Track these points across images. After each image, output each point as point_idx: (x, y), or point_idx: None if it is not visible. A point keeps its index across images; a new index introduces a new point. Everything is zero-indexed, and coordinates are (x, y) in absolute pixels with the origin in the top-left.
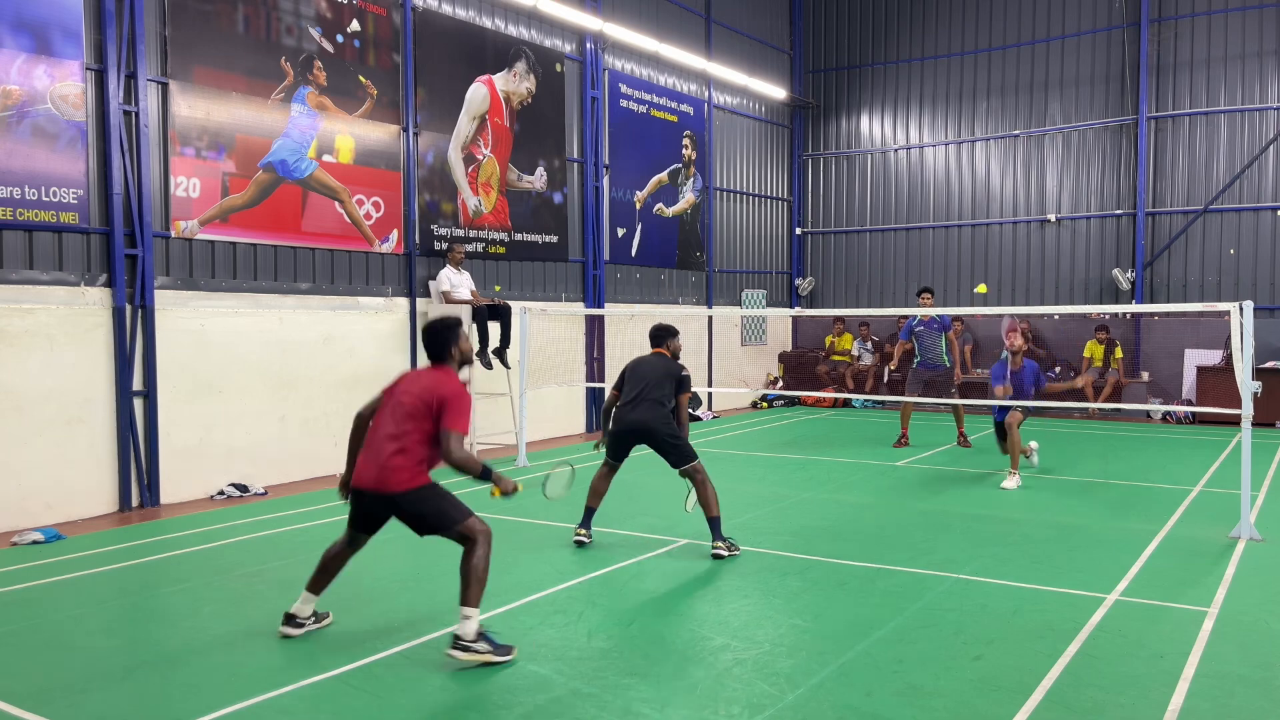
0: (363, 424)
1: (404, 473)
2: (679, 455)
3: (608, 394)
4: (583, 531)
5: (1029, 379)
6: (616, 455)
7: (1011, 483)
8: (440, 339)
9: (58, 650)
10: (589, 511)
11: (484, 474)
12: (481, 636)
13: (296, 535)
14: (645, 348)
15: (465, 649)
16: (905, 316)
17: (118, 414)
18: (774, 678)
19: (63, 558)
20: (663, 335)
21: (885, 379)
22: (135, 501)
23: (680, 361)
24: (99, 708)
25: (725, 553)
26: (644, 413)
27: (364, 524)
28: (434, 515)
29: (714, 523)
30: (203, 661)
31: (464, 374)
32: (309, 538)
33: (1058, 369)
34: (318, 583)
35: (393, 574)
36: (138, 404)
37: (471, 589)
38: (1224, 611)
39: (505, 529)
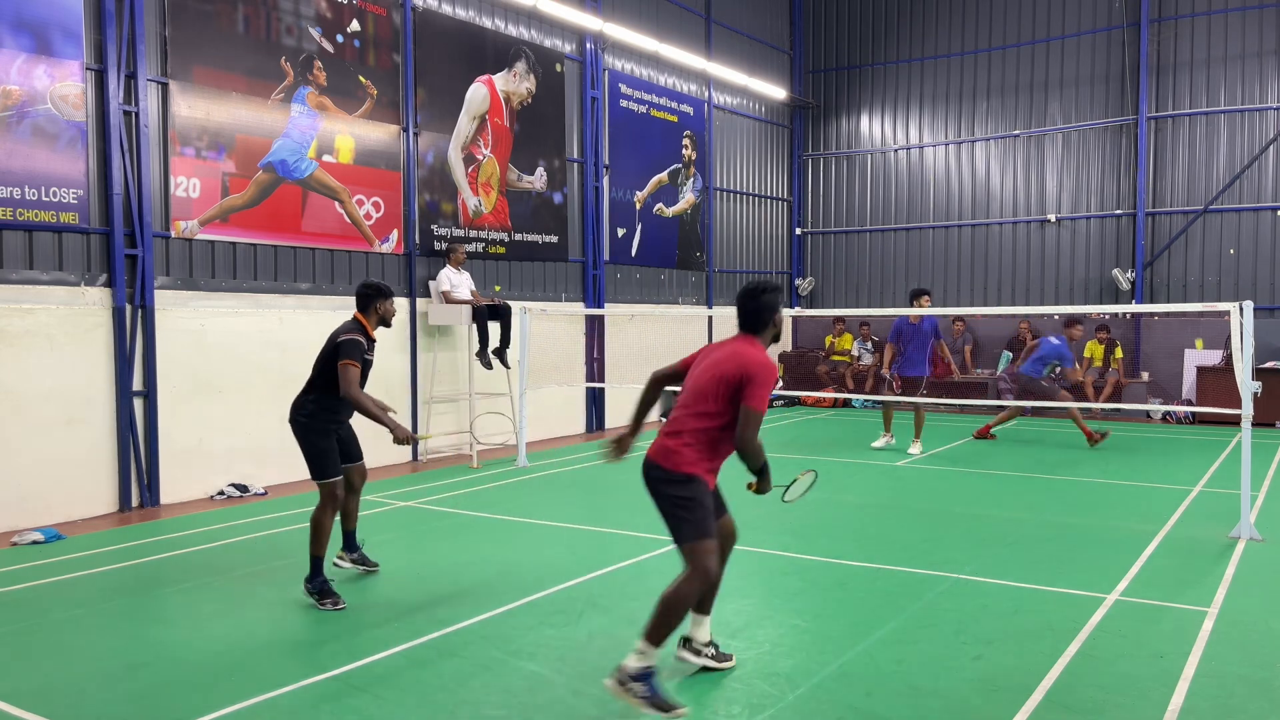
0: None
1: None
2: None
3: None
4: (344, 555)
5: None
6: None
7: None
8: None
9: (58, 650)
10: (347, 535)
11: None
12: (645, 678)
13: (296, 535)
14: (645, 347)
15: (621, 685)
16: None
17: (118, 414)
18: (774, 678)
19: (63, 558)
20: (364, 296)
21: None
22: (135, 501)
23: (351, 322)
24: (99, 708)
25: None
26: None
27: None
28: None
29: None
30: (203, 661)
31: None
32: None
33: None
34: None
35: (393, 573)
36: (138, 404)
37: (654, 621)
38: (1224, 611)
39: (505, 529)
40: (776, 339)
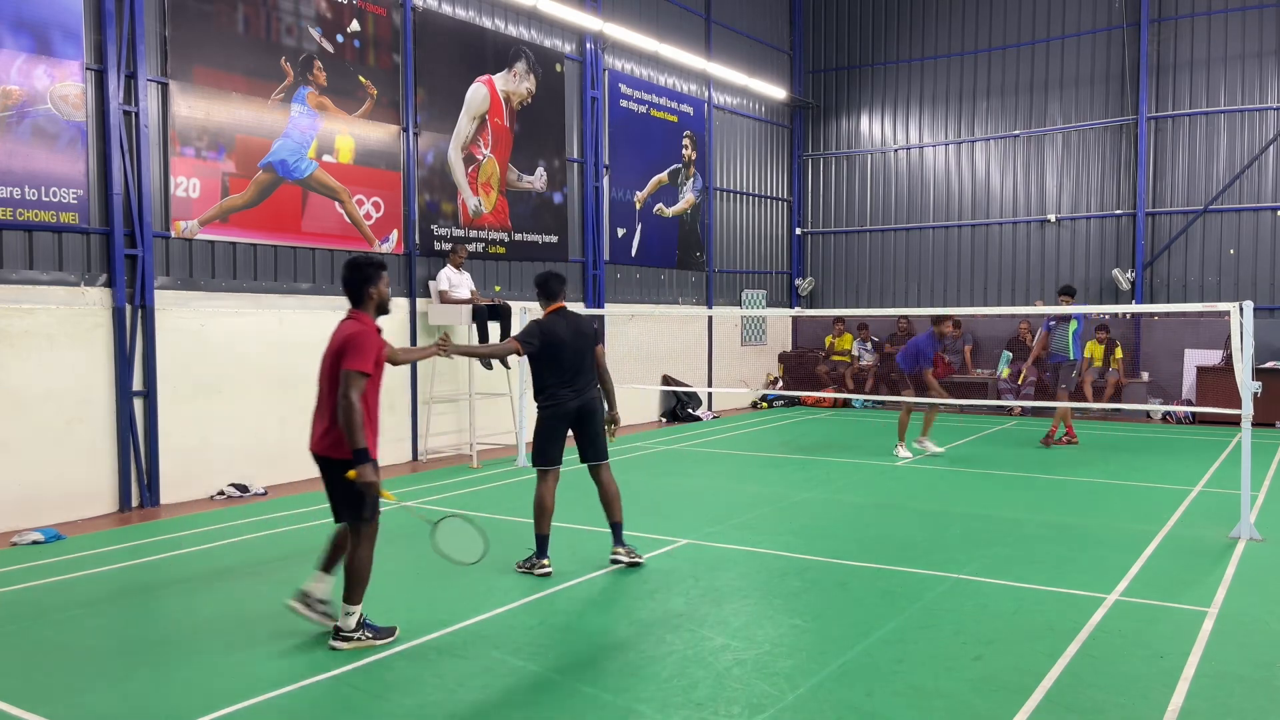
0: None
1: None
2: (599, 449)
3: (509, 343)
4: (545, 563)
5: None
6: (560, 455)
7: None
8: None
9: (58, 650)
10: (543, 540)
11: (359, 454)
12: (363, 625)
13: (296, 535)
14: (647, 348)
15: (349, 639)
16: (903, 317)
17: (118, 414)
18: (774, 678)
19: (63, 558)
20: (560, 285)
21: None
22: (135, 502)
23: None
24: (99, 708)
25: (625, 559)
26: (590, 395)
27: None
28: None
29: (616, 528)
30: (203, 661)
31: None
32: (309, 538)
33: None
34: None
35: (392, 573)
36: (138, 404)
37: (350, 587)
38: (1224, 611)
39: (506, 529)
40: (383, 310)
